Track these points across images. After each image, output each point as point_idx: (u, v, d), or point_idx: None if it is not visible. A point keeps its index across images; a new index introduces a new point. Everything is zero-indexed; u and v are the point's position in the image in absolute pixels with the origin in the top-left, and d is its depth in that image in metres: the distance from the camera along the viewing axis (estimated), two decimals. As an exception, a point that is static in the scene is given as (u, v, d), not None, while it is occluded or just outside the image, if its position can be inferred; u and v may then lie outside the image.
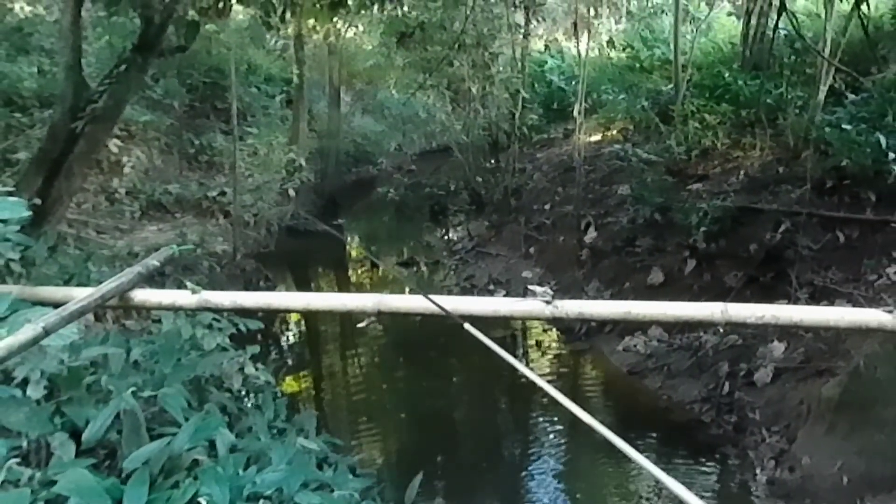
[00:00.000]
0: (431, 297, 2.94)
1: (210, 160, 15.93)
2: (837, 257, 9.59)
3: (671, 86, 15.71)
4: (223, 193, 14.54)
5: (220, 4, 8.50)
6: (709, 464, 7.89)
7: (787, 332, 8.45)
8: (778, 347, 8.74)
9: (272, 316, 10.93)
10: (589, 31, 17.62)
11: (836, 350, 8.07)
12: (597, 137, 17.75)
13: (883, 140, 9.45)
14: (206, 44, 16.15)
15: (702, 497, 7.37)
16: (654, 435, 8.64)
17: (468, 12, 15.86)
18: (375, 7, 10.38)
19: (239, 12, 14.32)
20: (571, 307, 3.01)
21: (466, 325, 2.39)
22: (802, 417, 7.57)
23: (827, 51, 11.46)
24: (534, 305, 2.99)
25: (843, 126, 10.11)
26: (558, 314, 2.98)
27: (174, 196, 13.93)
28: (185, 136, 15.95)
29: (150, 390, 3.66)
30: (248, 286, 12.28)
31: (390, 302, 3.24)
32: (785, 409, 7.96)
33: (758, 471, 7.38)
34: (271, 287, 12.99)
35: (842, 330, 7.03)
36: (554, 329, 11.41)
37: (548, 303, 2.94)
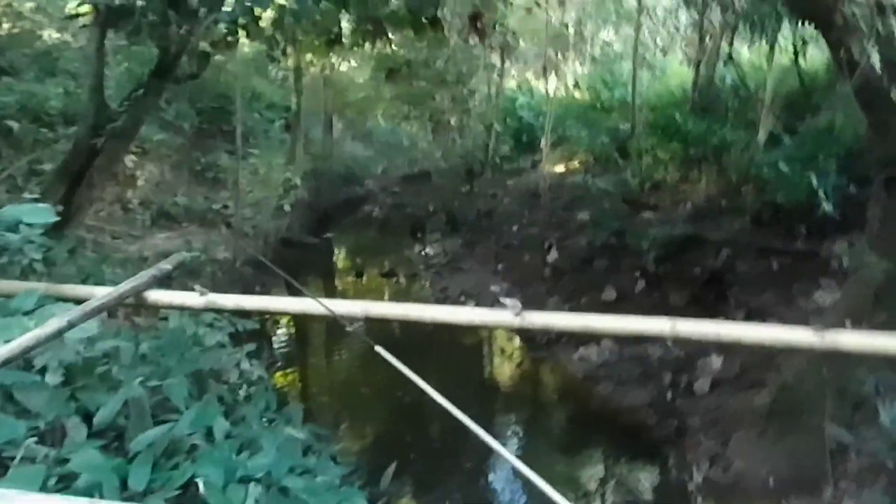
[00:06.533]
0: (410, 305, 2.95)
1: (215, 176, 15.84)
2: (771, 282, 9.67)
3: (628, 124, 15.86)
4: (226, 207, 14.50)
5: (229, 38, 8.51)
6: (651, 463, 7.94)
7: (725, 347, 8.52)
8: (716, 361, 8.81)
9: (266, 317, 10.89)
10: (556, 73, 17.80)
11: (768, 364, 8.13)
12: (561, 168, 17.87)
13: (814, 179, 9.56)
14: (215, 73, 16.07)
15: (643, 492, 7.46)
16: (604, 435, 8.68)
17: (450, 52, 15.96)
18: (367, 45, 10.42)
19: (245, 45, 14.28)
20: (537, 318, 3.01)
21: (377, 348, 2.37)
22: (736, 424, 7.62)
23: (767, 98, 11.61)
24: (503, 315, 3.00)
25: (780, 165, 10.22)
26: (525, 325, 2.99)
27: (182, 207, 13.85)
28: (193, 154, 15.87)
29: (155, 381, 3.64)
30: (246, 290, 12.21)
31: (375, 309, 3.25)
32: (721, 416, 8.01)
33: (695, 471, 7.40)
34: (266, 292, 12.94)
35: (774, 347, 7.14)
36: (516, 338, 11.43)
37: (517, 314, 2.95)
